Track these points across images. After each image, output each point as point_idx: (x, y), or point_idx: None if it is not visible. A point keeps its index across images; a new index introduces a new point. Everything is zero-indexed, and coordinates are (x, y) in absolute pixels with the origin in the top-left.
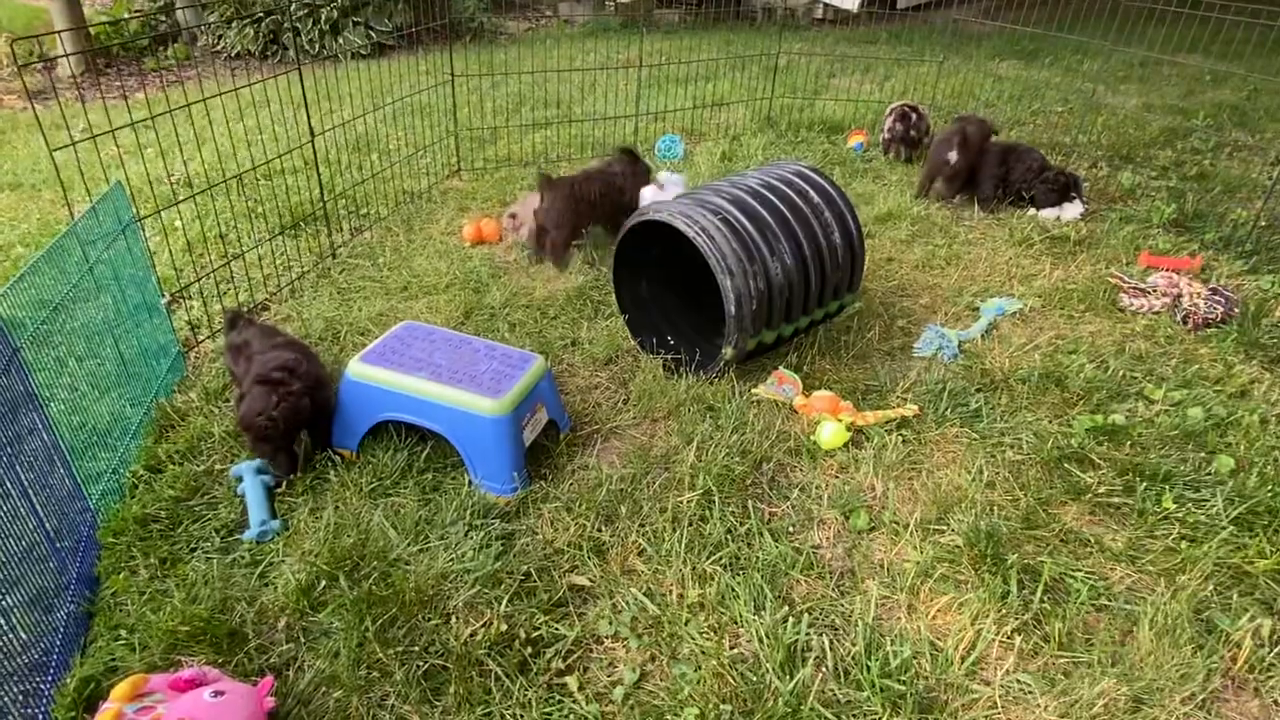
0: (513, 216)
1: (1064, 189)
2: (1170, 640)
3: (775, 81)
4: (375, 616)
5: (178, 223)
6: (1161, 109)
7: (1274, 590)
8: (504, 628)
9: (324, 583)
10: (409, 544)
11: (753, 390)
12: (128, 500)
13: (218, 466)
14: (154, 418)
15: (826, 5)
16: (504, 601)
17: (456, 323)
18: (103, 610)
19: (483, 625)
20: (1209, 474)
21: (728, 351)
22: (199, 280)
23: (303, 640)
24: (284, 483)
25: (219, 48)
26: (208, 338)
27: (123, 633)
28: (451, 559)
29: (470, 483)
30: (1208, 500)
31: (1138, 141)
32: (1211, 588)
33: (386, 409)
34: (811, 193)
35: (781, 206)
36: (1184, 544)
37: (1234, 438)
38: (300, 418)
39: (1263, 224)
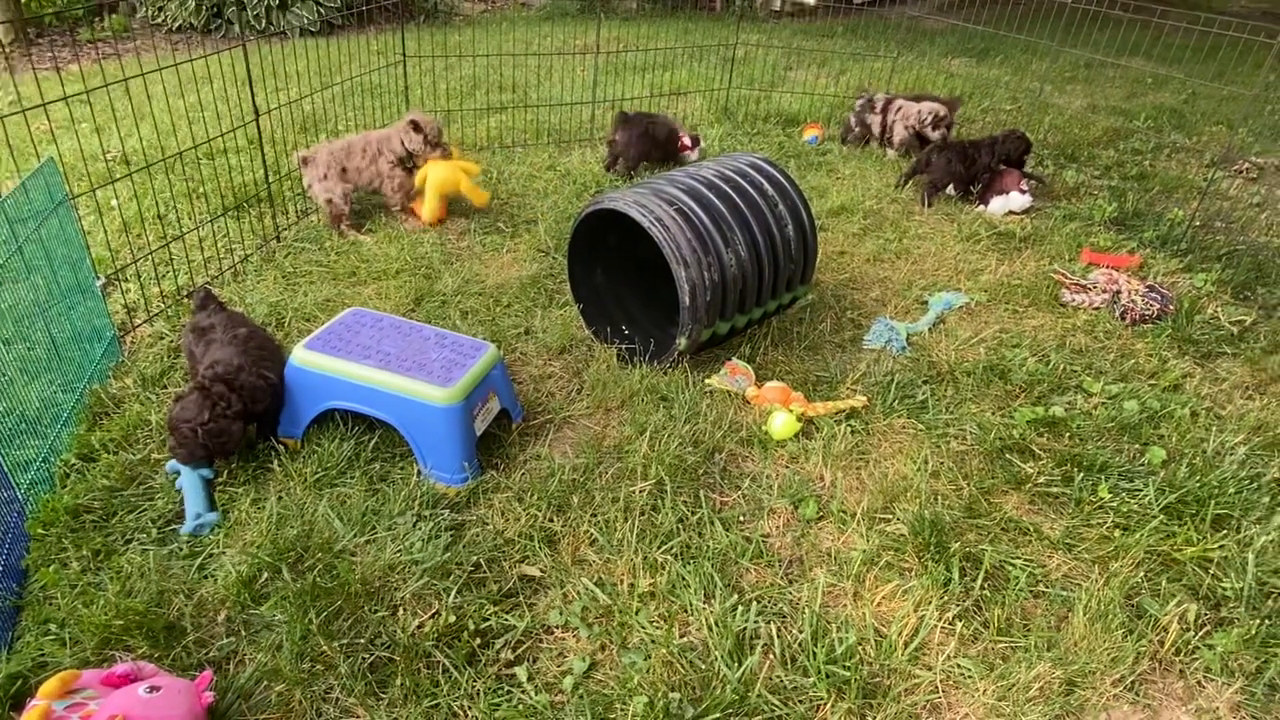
0: (304, 160)
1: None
2: (1102, 625)
3: (733, 72)
4: (320, 609)
5: (114, 202)
6: (1105, 110)
7: (1200, 576)
8: (452, 619)
9: (266, 575)
10: (355, 535)
11: (706, 381)
12: (58, 490)
13: (155, 456)
14: (87, 404)
15: None
16: (453, 593)
17: (407, 310)
18: (31, 604)
19: (430, 617)
20: (1142, 465)
21: (682, 342)
22: (136, 262)
23: (244, 633)
24: (224, 474)
25: (160, 20)
26: (145, 321)
27: (53, 627)
28: (399, 550)
29: (419, 473)
30: (1140, 490)
31: (1082, 141)
32: (1142, 574)
33: (332, 397)
34: (766, 185)
35: (736, 198)
36: (1117, 532)
37: (1166, 430)
38: (226, 442)
39: (1197, 224)
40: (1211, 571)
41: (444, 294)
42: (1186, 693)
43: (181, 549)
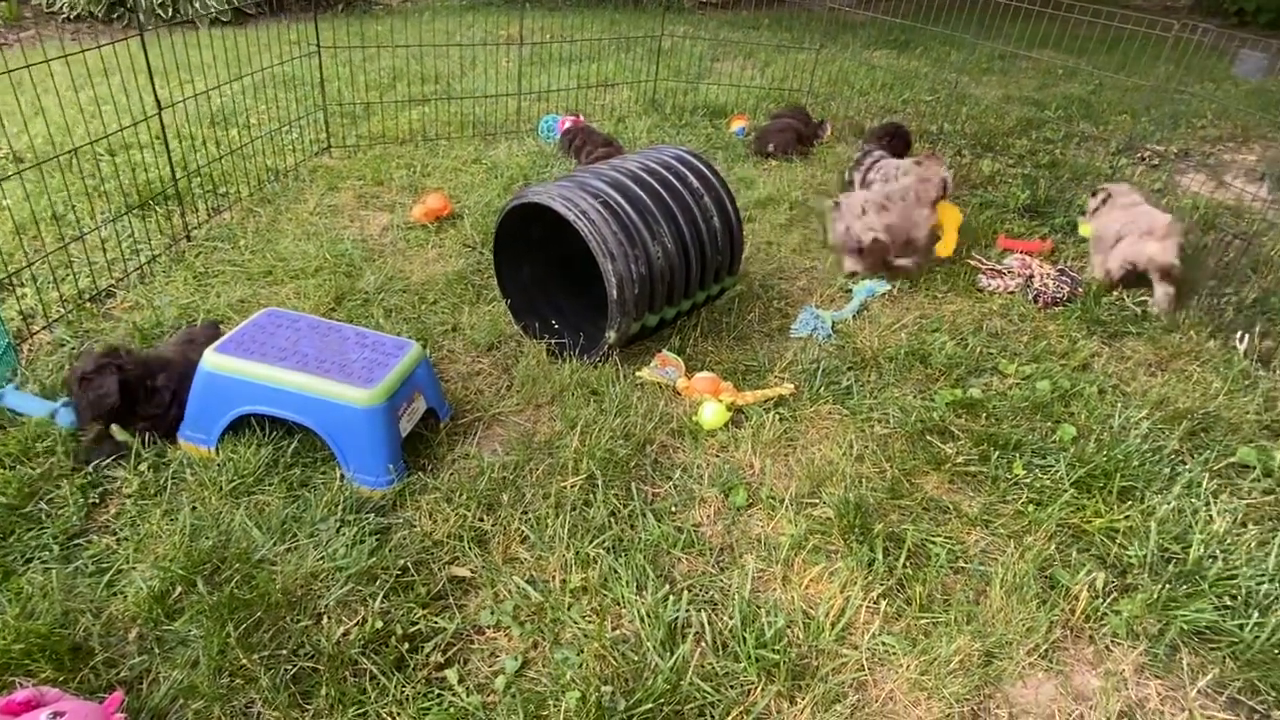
0: None
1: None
2: (1018, 597)
3: (661, 64)
4: (238, 621)
5: (6, 202)
6: (1019, 100)
7: (1108, 546)
8: (379, 624)
9: (180, 589)
10: (275, 543)
11: (637, 373)
12: None
13: (57, 470)
14: None
15: None
16: (379, 598)
17: (327, 309)
18: None
19: (356, 624)
20: (1054, 442)
21: (611, 335)
22: (31, 265)
23: (157, 651)
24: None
25: (55, 8)
26: (44, 328)
27: None
28: (322, 557)
29: (343, 477)
30: (1052, 466)
31: (997, 131)
32: (1054, 547)
33: (247, 402)
34: (691, 177)
35: (662, 190)
36: (1031, 507)
37: (1076, 408)
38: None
39: None
40: (1118, 541)
41: (366, 292)
42: (1096, 657)
43: (87, 566)
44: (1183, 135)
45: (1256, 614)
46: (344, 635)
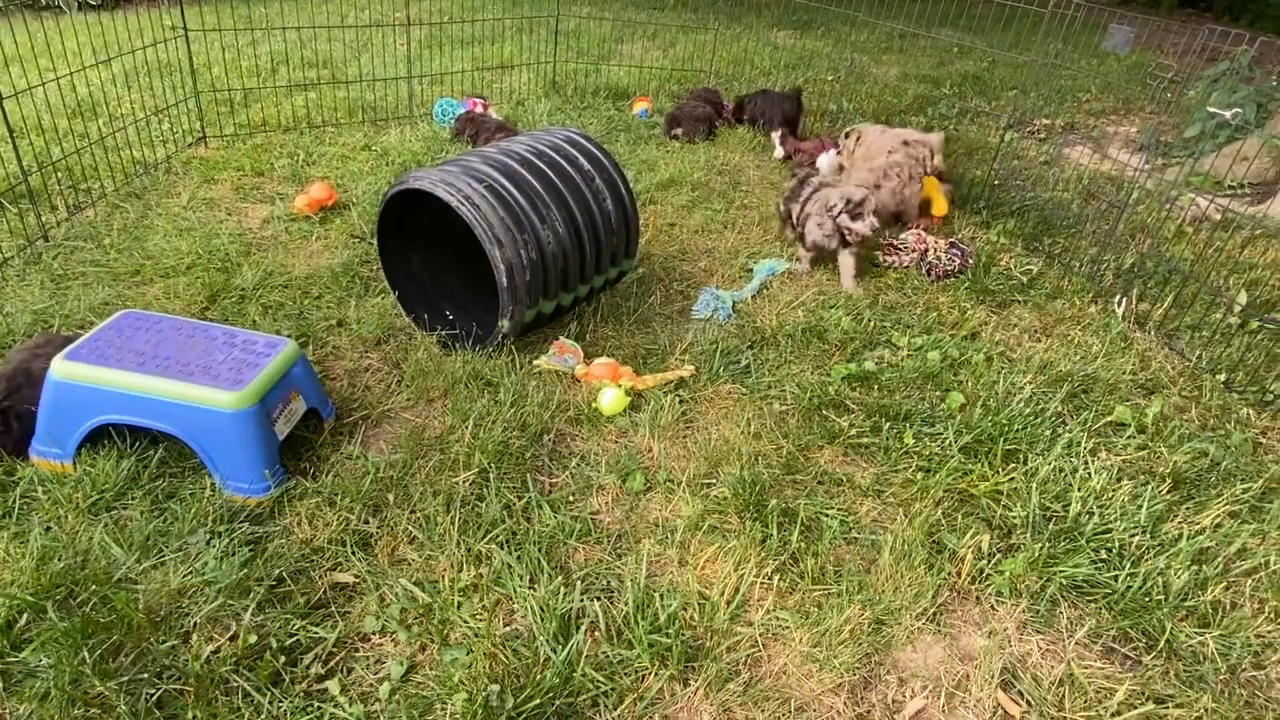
0: None
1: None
2: (907, 563)
3: (562, 45)
4: (95, 647)
5: None
6: (916, 78)
7: (993, 508)
8: (253, 639)
9: (27, 617)
10: (138, 561)
11: (534, 362)
12: None
13: None
14: None
15: None
16: (251, 611)
17: (199, 309)
18: None
19: (228, 639)
20: (942, 410)
21: (504, 324)
22: None
23: (2, 685)
24: None
25: None
26: None
27: None
28: (190, 572)
29: (213, 486)
30: (941, 434)
31: (895, 109)
32: (941, 512)
33: (103, 411)
34: (581, 159)
35: (551, 174)
36: (920, 475)
37: (964, 376)
38: None
39: (996, 183)
40: (1002, 503)
41: (243, 289)
42: (981, 617)
43: None
44: (1069, 109)
45: (1129, 565)
46: (214, 653)
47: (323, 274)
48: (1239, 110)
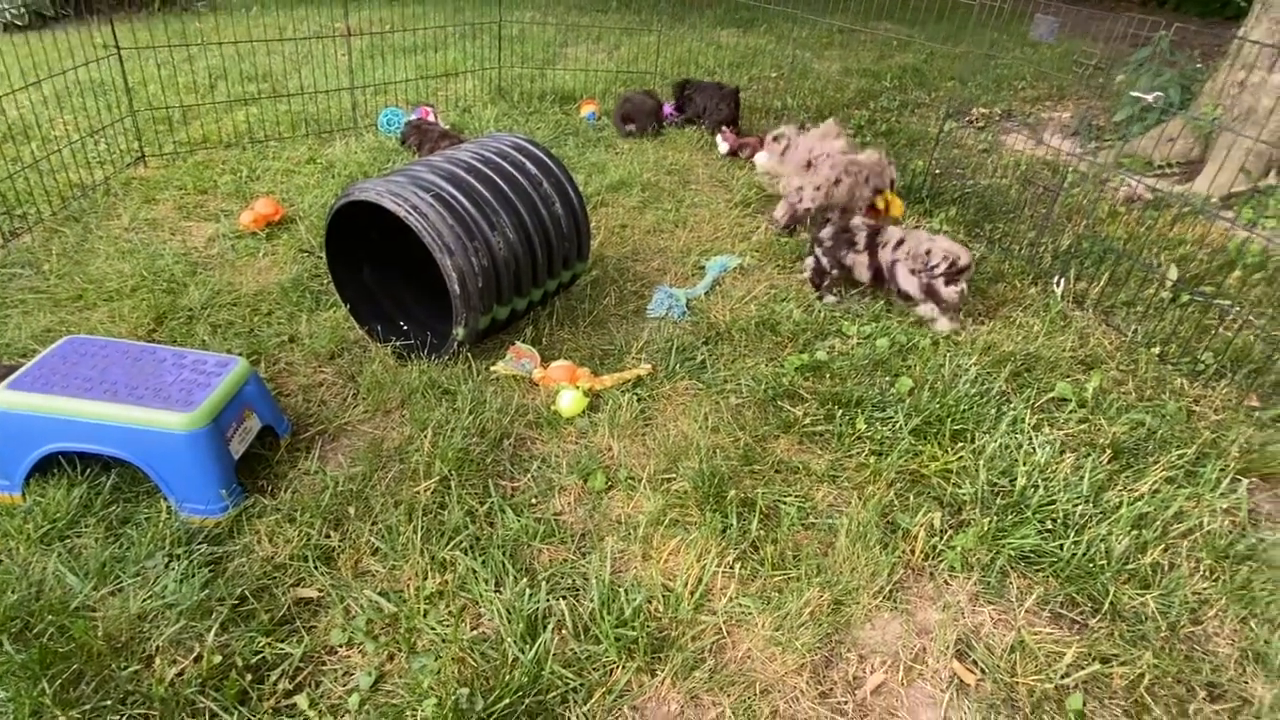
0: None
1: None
2: (863, 544)
3: (507, 51)
4: (54, 677)
5: None
6: (857, 73)
7: (944, 487)
8: (217, 659)
9: None
10: (94, 588)
11: (490, 368)
12: None
13: None
14: None
15: None
16: (213, 631)
17: (146, 331)
18: None
19: (192, 661)
20: (893, 394)
21: (459, 332)
22: None
23: None
24: None
25: None
26: None
27: None
28: (149, 596)
29: (169, 509)
30: (892, 418)
31: (838, 103)
32: (893, 493)
33: (51, 440)
34: (529, 164)
35: (498, 180)
36: (873, 458)
37: (912, 360)
38: None
39: (937, 172)
40: (952, 481)
41: (191, 309)
42: (935, 592)
43: None
44: (1005, 97)
45: (1073, 534)
46: (178, 675)
47: (272, 290)
48: (1160, 94)
